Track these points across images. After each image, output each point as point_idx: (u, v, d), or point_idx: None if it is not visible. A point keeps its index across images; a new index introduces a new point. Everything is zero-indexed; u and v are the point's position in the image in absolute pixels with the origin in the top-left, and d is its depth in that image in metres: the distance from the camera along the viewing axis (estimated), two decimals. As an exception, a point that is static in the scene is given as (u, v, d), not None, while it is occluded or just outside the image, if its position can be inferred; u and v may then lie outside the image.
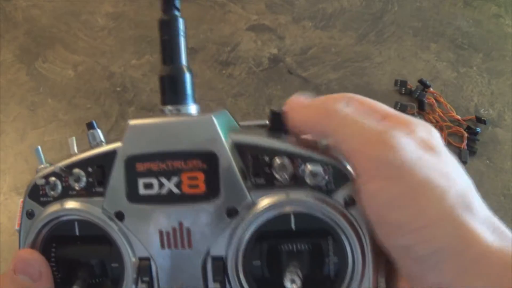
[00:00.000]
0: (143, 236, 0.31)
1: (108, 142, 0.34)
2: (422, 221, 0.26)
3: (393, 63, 1.07)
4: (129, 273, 0.32)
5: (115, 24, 1.16)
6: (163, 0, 0.33)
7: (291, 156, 0.30)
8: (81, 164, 0.33)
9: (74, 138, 0.35)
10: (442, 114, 0.96)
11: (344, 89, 1.02)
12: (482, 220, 0.26)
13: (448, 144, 0.92)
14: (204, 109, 0.34)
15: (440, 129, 0.94)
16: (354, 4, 1.19)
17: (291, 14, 1.17)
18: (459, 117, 0.96)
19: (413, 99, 0.99)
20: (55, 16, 1.19)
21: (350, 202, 0.30)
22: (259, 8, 1.18)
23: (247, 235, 0.30)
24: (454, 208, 0.26)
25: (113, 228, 0.32)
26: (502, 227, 0.27)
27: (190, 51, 1.09)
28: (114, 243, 0.32)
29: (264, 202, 0.30)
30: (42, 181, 0.33)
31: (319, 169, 0.30)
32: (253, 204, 0.30)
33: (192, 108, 0.33)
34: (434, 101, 0.99)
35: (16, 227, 0.77)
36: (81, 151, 0.34)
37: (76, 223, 0.33)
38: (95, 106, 1.01)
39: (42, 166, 0.35)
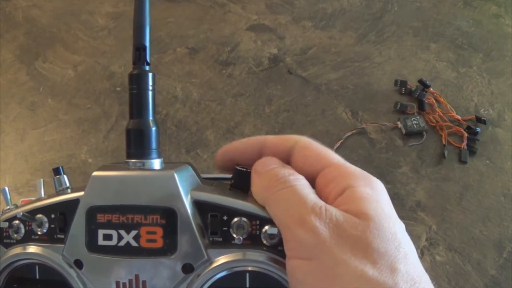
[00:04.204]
0: (100, 286, 0.32)
1: (74, 189, 0.34)
2: None
3: (393, 63, 1.07)
4: None
5: (115, 24, 1.16)
6: (134, 54, 0.33)
7: (250, 217, 0.31)
8: (44, 210, 0.33)
9: (42, 180, 0.36)
10: (442, 114, 0.96)
11: (344, 89, 1.02)
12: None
13: (448, 144, 0.92)
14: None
15: (440, 129, 0.94)
16: (354, 4, 1.19)
17: (291, 14, 1.17)
18: (459, 117, 0.96)
19: (413, 99, 0.99)
20: (55, 16, 1.19)
21: None
22: (259, 8, 1.18)
23: None
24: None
25: (72, 276, 0.32)
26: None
27: (190, 51, 1.09)
28: None
29: (220, 260, 0.30)
30: (6, 224, 0.34)
31: (276, 231, 0.30)
32: (209, 261, 0.31)
33: (156, 163, 0.33)
34: (434, 101, 0.99)
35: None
36: (47, 196, 0.35)
37: (37, 267, 0.33)
38: (95, 106, 1.01)
39: (8, 207, 0.35)
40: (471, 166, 0.90)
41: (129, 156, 0.33)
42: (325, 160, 0.32)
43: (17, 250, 0.33)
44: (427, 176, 0.88)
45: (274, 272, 0.30)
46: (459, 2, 1.19)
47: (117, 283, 0.31)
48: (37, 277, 0.34)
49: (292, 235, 0.28)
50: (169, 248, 0.30)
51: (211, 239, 0.31)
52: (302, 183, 0.30)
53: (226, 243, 0.31)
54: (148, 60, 0.33)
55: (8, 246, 0.34)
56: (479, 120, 0.95)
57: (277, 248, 0.31)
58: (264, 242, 0.31)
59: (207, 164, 0.89)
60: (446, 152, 0.91)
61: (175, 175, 0.31)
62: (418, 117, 0.95)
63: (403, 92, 1.01)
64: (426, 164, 0.90)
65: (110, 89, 1.04)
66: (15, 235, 0.34)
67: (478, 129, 0.93)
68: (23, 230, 0.34)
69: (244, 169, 0.32)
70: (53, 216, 0.33)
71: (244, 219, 0.31)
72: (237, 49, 1.10)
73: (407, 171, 0.89)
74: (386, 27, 1.13)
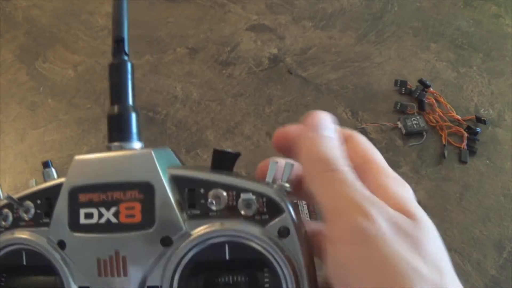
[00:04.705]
0: (82, 265, 0.32)
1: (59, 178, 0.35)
2: None
3: (393, 63, 1.07)
4: None
5: (115, 24, 1.16)
6: (113, 46, 0.34)
7: (226, 188, 0.31)
8: (31, 196, 0.34)
9: (34, 180, 0.36)
10: (442, 114, 0.96)
11: (344, 89, 1.02)
12: None
13: (448, 144, 0.92)
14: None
15: (440, 129, 0.94)
16: (354, 4, 1.19)
17: (291, 14, 1.17)
18: (459, 117, 0.96)
19: (413, 99, 0.99)
20: (55, 16, 1.19)
21: (284, 233, 0.30)
22: (259, 8, 1.18)
23: (182, 264, 0.31)
24: None
25: (56, 258, 0.32)
26: None
27: (190, 51, 1.09)
28: (57, 272, 0.32)
29: (198, 231, 0.31)
30: None
31: (252, 199, 0.30)
32: (187, 233, 0.31)
33: (136, 145, 0.34)
34: (434, 101, 0.99)
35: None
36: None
37: (23, 253, 0.34)
38: (95, 106, 1.01)
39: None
40: (471, 166, 0.90)
41: (110, 139, 0.34)
42: (368, 156, 0.32)
43: (4, 236, 0.34)
44: (427, 176, 0.88)
45: (253, 241, 0.30)
46: (459, 2, 1.19)
47: (98, 260, 0.31)
48: (24, 263, 0.34)
49: (346, 220, 0.27)
50: (147, 222, 0.31)
51: (189, 212, 0.31)
52: (352, 174, 0.30)
53: (204, 215, 0.31)
54: (126, 51, 0.35)
55: None
56: (479, 120, 0.95)
57: (254, 218, 0.31)
58: (242, 212, 0.31)
59: (207, 164, 0.89)
60: (446, 152, 0.91)
61: (152, 153, 0.31)
62: (418, 117, 0.95)
63: (403, 92, 1.01)
64: (426, 164, 0.90)
65: (110, 89, 1.04)
66: (3, 223, 0.34)
67: (478, 129, 0.93)
68: (11, 218, 0.34)
69: (223, 150, 0.33)
70: (39, 201, 0.34)
71: (220, 190, 0.31)
72: (237, 49, 1.10)
73: (407, 171, 0.89)
74: (386, 27, 1.13)
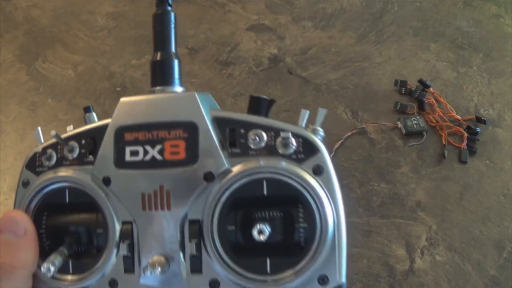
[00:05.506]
0: (126, 199, 0.34)
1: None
2: None
3: (393, 63, 1.07)
4: (112, 237, 0.34)
5: (115, 24, 1.16)
6: None
7: (266, 129, 0.33)
8: (76, 136, 0.36)
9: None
10: (442, 114, 0.96)
11: (344, 89, 1.02)
12: None
13: (448, 144, 0.92)
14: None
15: (440, 129, 0.94)
16: (354, 4, 1.19)
17: (291, 14, 1.17)
18: (459, 117, 0.96)
19: (413, 99, 0.99)
20: (55, 16, 1.19)
21: (319, 171, 0.32)
22: (259, 8, 1.18)
23: (222, 199, 0.33)
24: None
25: (99, 194, 0.34)
26: None
27: (190, 51, 1.09)
28: (100, 208, 0.34)
29: (239, 168, 0.33)
30: (40, 150, 0.36)
31: (290, 139, 0.33)
32: (229, 170, 0.33)
33: (178, 89, 0.36)
34: (434, 101, 0.99)
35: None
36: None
37: (67, 191, 0.35)
38: (95, 106, 1.00)
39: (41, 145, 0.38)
40: (471, 166, 0.90)
41: (154, 84, 0.36)
42: None
43: (48, 175, 0.35)
44: (427, 176, 0.88)
45: (290, 178, 0.32)
46: (459, 2, 1.19)
47: (143, 194, 0.33)
48: (67, 201, 0.35)
49: None
50: (191, 158, 0.33)
51: (230, 151, 0.33)
52: None
53: (244, 153, 0.33)
54: (169, 1, 0.37)
55: (39, 174, 0.36)
56: (479, 120, 0.95)
57: (291, 157, 0.33)
58: (280, 151, 0.33)
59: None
60: (446, 152, 0.91)
61: (196, 95, 0.33)
62: (418, 117, 0.95)
63: (403, 92, 1.01)
64: (426, 164, 0.90)
65: (110, 89, 1.04)
66: (47, 163, 0.36)
67: (478, 129, 0.93)
68: (55, 157, 0.36)
69: (259, 96, 0.35)
70: (83, 141, 0.35)
71: (260, 131, 0.33)
72: (237, 49, 1.10)
73: (407, 171, 0.89)
74: (386, 27, 1.13)
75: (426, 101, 0.98)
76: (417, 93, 0.99)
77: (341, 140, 0.92)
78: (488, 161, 0.91)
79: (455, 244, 0.80)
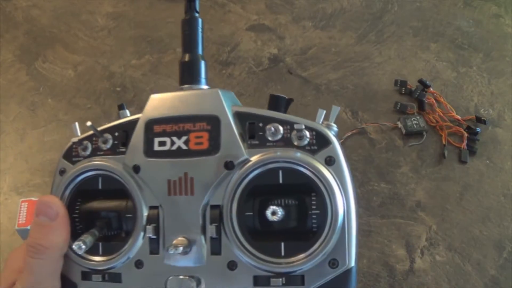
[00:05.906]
0: (154, 185, 0.37)
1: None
2: None
3: (393, 63, 1.07)
4: (140, 221, 0.37)
5: (115, 24, 1.16)
6: (186, 4, 0.41)
7: (282, 122, 0.37)
8: (110, 129, 0.40)
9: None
10: (442, 114, 0.96)
11: (344, 89, 1.02)
12: None
13: (448, 144, 0.92)
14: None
15: (440, 129, 0.94)
16: (354, 4, 1.19)
17: (291, 14, 1.17)
18: (459, 117, 0.96)
19: (413, 99, 0.99)
20: (55, 16, 1.19)
21: (331, 161, 0.35)
22: (259, 8, 1.18)
23: (241, 186, 0.36)
24: None
25: (130, 181, 0.37)
26: None
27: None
28: (130, 194, 0.38)
29: (257, 157, 0.36)
30: (77, 141, 0.40)
31: (303, 131, 0.36)
32: (247, 159, 0.36)
33: (204, 87, 0.40)
34: (434, 101, 0.99)
35: (16, 227, 0.77)
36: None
37: (100, 178, 0.39)
38: (95, 106, 1.01)
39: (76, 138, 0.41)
40: (471, 166, 0.90)
41: (182, 83, 0.40)
42: None
43: (84, 163, 0.39)
44: (427, 176, 0.88)
45: (304, 167, 0.35)
46: (459, 2, 1.19)
47: (169, 181, 0.36)
48: (100, 187, 0.39)
49: None
50: (213, 148, 0.36)
51: (249, 142, 0.36)
52: None
53: (262, 145, 0.36)
54: (197, 9, 0.41)
55: (75, 163, 0.40)
56: (479, 120, 0.95)
57: (305, 148, 0.36)
58: (295, 143, 0.36)
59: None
60: (446, 152, 0.91)
61: (219, 91, 0.37)
62: (418, 117, 0.95)
63: (403, 92, 1.01)
64: (426, 164, 0.90)
65: (110, 89, 1.04)
66: (83, 153, 0.40)
67: (478, 129, 0.93)
68: (90, 148, 0.40)
69: (278, 95, 0.39)
70: (116, 134, 0.39)
71: (276, 124, 0.36)
72: (237, 49, 1.10)
73: (407, 171, 0.89)
74: (386, 27, 1.13)
75: (426, 101, 0.98)
76: (417, 93, 0.99)
77: (341, 140, 0.92)
78: (488, 161, 0.91)
79: (455, 244, 0.80)
